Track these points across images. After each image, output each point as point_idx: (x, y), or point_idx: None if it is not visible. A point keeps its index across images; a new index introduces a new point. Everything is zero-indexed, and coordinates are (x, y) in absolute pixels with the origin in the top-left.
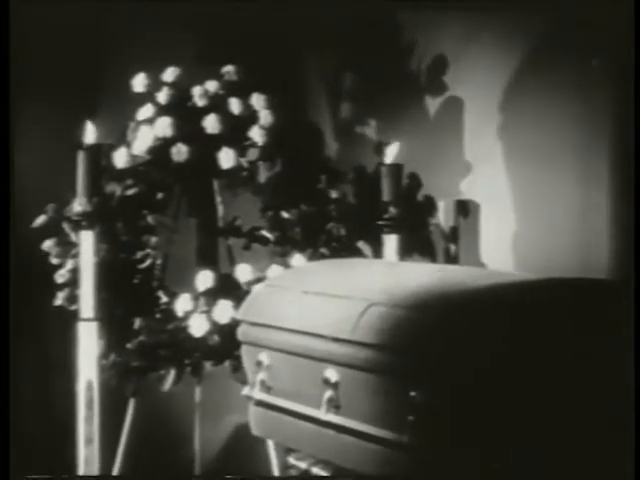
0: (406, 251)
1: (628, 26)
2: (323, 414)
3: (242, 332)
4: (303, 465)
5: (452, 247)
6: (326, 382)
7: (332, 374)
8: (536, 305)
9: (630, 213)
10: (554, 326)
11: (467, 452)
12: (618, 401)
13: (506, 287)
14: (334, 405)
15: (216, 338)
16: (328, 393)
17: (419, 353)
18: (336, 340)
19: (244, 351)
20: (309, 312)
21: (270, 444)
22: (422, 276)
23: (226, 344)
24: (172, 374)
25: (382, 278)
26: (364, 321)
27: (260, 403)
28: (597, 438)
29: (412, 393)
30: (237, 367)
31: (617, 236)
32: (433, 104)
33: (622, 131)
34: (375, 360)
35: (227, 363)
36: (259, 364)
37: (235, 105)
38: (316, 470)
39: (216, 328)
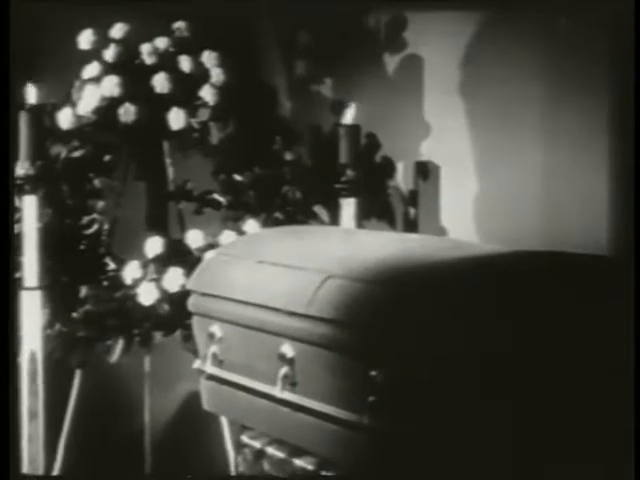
0: (364, 215)
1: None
2: (278, 391)
3: (193, 303)
4: (257, 444)
5: (411, 211)
6: (282, 358)
7: (288, 349)
8: (509, 280)
9: (599, 179)
10: (528, 304)
11: (430, 435)
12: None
13: (476, 260)
14: (290, 382)
15: (166, 307)
16: (284, 369)
17: (380, 330)
18: (291, 314)
19: (195, 322)
20: (263, 283)
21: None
22: (383, 247)
23: (176, 313)
24: (120, 344)
25: (341, 248)
26: (321, 294)
27: (212, 377)
28: (586, 425)
29: (372, 372)
30: (188, 337)
31: (583, 201)
32: (392, 62)
33: (592, 89)
34: (333, 336)
35: (178, 333)
36: (211, 336)
37: (185, 63)
38: (271, 450)
39: (166, 297)
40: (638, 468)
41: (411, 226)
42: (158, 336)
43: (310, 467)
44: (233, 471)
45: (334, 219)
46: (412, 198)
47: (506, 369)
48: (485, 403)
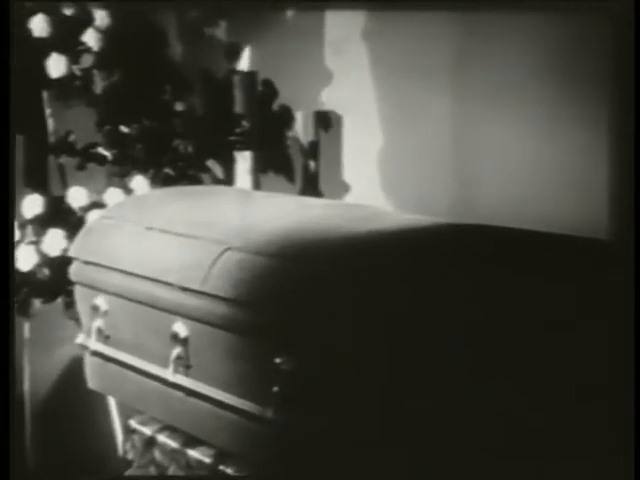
0: (261, 169)
1: None
2: (170, 374)
3: (75, 271)
4: (147, 431)
5: (312, 163)
6: (174, 337)
7: (181, 329)
8: (432, 257)
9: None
10: (454, 286)
11: (342, 430)
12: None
13: (392, 234)
14: (183, 364)
15: (46, 272)
16: (176, 350)
17: (284, 312)
18: (185, 290)
19: (78, 292)
20: (153, 253)
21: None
22: (288, 215)
23: (58, 279)
24: None
25: (241, 215)
26: (218, 269)
27: (97, 354)
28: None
29: (277, 360)
30: (70, 304)
31: (499, 152)
32: (291, 4)
33: (505, 36)
34: (231, 317)
35: (60, 300)
36: (95, 309)
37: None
38: (162, 438)
39: (46, 261)
40: (638, 465)
41: (311, 180)
42: (37, 303)
43: (207, 459)
44: (121, 456)
45: (229, 174)
46: (312, 150)
47: (430, 358)
48: (406, 397)
